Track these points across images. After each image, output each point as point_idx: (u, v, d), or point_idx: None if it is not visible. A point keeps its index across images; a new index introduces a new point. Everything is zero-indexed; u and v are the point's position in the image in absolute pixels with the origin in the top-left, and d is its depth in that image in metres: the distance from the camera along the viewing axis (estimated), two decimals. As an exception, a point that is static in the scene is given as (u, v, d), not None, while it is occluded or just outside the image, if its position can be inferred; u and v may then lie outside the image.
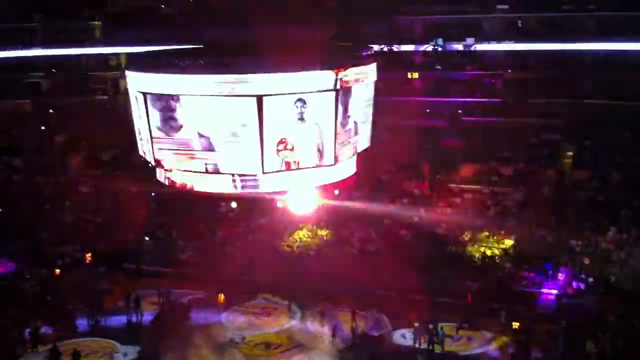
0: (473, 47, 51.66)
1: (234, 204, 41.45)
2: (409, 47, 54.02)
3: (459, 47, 52.15)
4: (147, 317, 33.77)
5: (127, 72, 24.94)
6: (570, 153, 46.48)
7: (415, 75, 54.50)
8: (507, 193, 43.97)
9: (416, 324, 31.46)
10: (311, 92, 22.78)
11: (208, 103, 22.70)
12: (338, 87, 22.83)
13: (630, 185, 41.83)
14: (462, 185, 45.68)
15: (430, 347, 30.48)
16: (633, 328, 30.17)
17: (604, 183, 43.03)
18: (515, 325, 31.53)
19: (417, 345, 31.06)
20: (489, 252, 38.46)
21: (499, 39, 51.50)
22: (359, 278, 36.82)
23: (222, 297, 36.14)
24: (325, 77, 23.01)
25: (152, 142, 24.76)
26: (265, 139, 22.71)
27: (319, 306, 33.63)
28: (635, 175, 42.37)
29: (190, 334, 32.70)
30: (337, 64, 22.98)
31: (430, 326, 31.16)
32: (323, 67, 23.08)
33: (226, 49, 26.07)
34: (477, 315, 33.16)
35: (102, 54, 58.92)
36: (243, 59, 23.21)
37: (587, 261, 36.14)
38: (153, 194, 45.11)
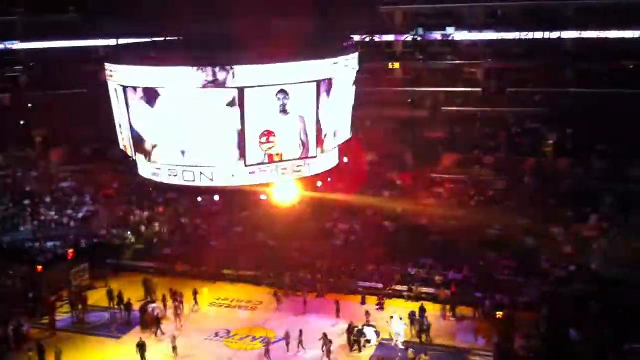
0: (452, 36, 51.56)
1: (216, 197, 41.11)
2: (390, 37, 53.89)
3: (438, 36, 52.03)
4: (131, 312, 33.46)
5: (107, 65, 24.57)
6: (552, 141, 46.59)
7: (397, 65, 54.36)
8: (489, 182, 44.16)
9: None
10: (293, 83, 22.62)
11: (190, 95, 22.42)
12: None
13: (611, 173, 42.08)
14: (445, 175, 45.77)
15: (419, 337, 30.60)
16: (616, 315, 30.39)
17: (586, 171, 43.25)
18: (499, 314, 31.68)
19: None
20: None
21: (479, 28, 51.42)
22: (342, 269, 36.99)
23: (205, 290, 36.01)
24: (306, 69, 22.89)
25: (132, 136, 24.45)
26: (248, 131, 22.51)
27: (303, 296, 33.59)
28: (616, 163, 42.61)
29: (175, 327, 32.61)
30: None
31: (417, 317, 31.27)
32: (304, 59, 22.95)
33: (207, 41, 25.75)
34: (461, 304, 33.34)
35: (82, 47, 58.09)
36: (224, 51, 22.94)
37: (569, 249, 36.36)
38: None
